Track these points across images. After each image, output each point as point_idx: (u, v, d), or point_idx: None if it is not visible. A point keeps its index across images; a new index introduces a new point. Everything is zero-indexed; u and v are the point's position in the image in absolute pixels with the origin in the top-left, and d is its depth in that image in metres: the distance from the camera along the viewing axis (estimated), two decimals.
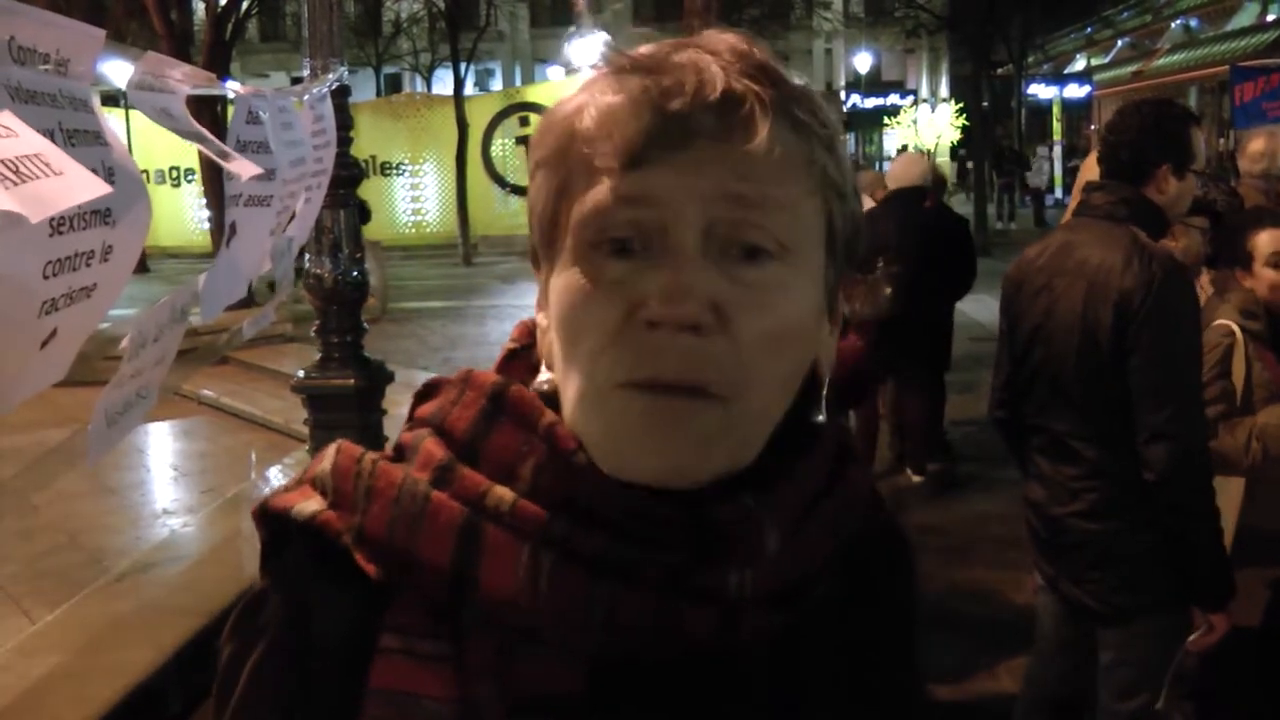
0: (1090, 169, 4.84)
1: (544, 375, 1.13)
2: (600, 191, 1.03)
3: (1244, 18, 55.95)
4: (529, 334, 1.20)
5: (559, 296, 1.06)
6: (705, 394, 1.00)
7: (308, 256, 5.80)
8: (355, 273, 5.95)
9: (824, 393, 1.16)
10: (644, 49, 1.08)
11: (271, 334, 13.67)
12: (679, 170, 1.01)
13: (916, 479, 9.68)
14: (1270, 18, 53.27)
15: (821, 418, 1.16)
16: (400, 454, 1.11)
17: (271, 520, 1.11)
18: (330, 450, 1.12)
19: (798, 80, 1.09)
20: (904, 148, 47.63)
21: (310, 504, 1.08)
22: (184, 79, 2.32)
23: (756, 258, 1.03)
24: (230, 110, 3.83)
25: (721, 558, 1.03)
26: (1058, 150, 40.36)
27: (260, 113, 3.28)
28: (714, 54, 1.05)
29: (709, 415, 1.00)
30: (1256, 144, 8.83)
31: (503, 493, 1.03)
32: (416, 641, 1.04)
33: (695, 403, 1.00)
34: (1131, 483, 3.85)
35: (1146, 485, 3.79)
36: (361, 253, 6.08)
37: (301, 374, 6.15)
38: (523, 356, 1.18)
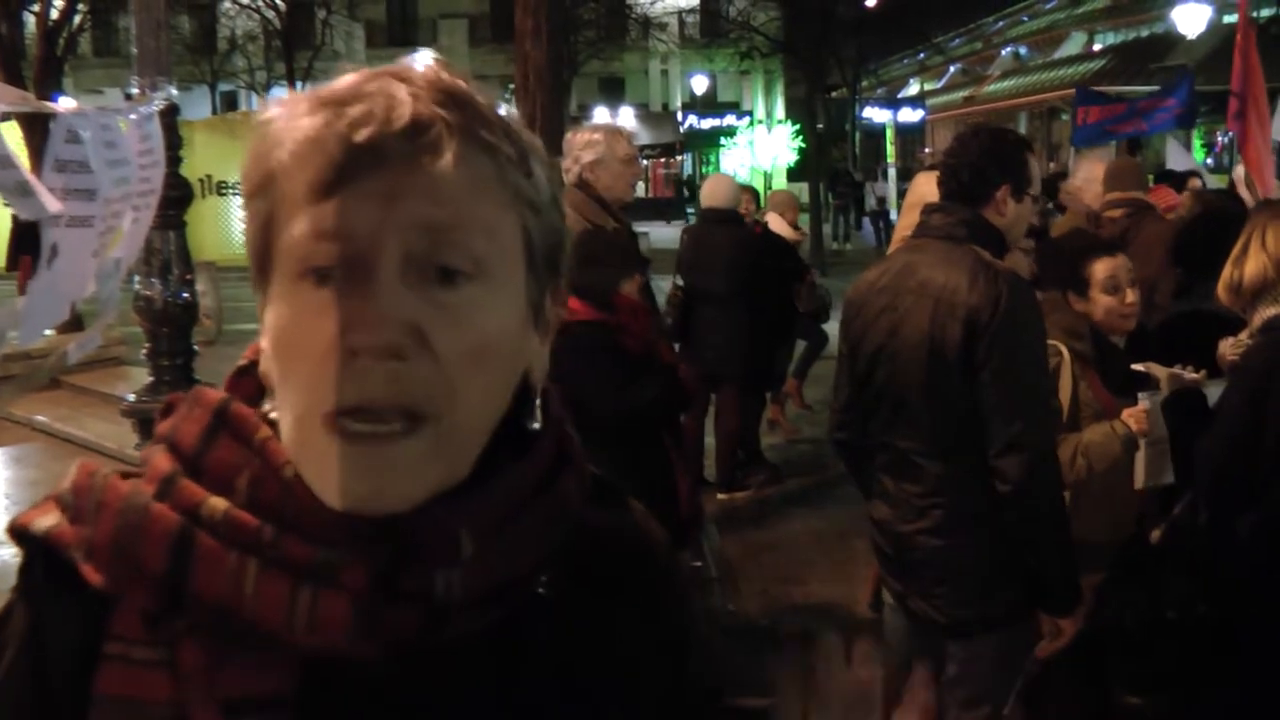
0: (920, 190, 4.91)
1: (269, 404, 1.17)
2: (300, 224, 1.06)
3: (1071, 46, 57.63)
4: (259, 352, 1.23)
5: (272, 326, 1.11)
6: (414, 416, 1.05)
7: (136, 278, 5.69)
8: (185, 294, 5.85)
9: (538, 401, 1.23)
10: (340, 81, 1.10)
11: (105, 356, 13.33)
12: (371, 200, 1.05)
13: (720, 497, 9.66)
14: (1096, 47, 54.90)
15: (537, 425, 1.23)
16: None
17: (14, 537, 1.15)
18: (73, 468, 1.16)
19: (484, 100, 1.13)
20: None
21: (47, 519, 1.13)
22: None
23: (454, 279, 1.07)
24: None
25: (420, 561, 1.08)
26: (892, 173, 40.94)
27: (81, 132, 3.20)
28: (406, 81, 1.08)
29: (420, 440, 1.05)
30: (1093, 170, 9.11)
31: (216, 503, 1.08)
32: (134, 648, 1.09)
33: (405, 435, 1.05)
34: (976, 498, 3.91)
35: (994, 499, 3.85)
36: (191, 274, 5.98)
37: (132, 398, 6.04)
38: (251, 373, 1.21)
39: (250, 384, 1.19)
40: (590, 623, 1.22)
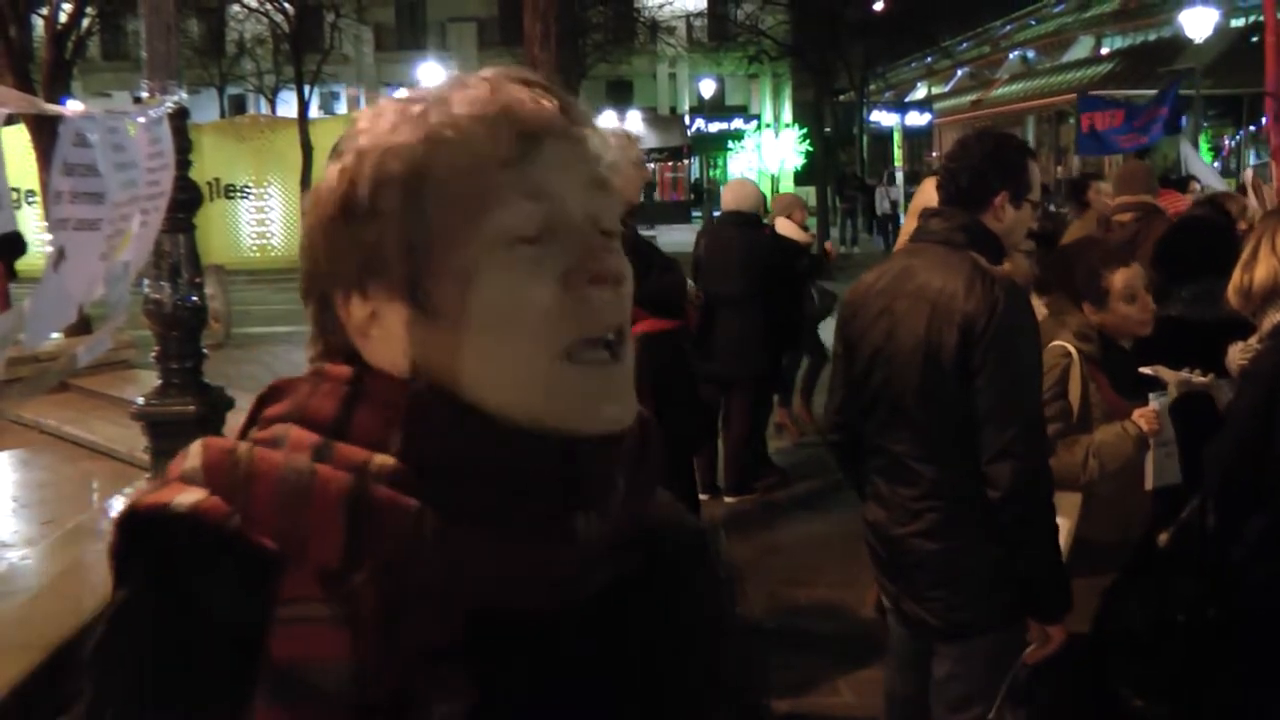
0: (925, 195, 4.91)
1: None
2: (503, 193, 1.14)
3: (1079, 50, 57.51)
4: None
5: (489, 298, 1.13)
6: (619, 341, 1.16)
7: (145, 281, 5.69)
8: (194, 297, 5.85)
9: None
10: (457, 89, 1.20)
11: (113, 360, 13.33)
12: (559, 166, 1.16)
13: (728, 500, 9.70)
14: (1104, 50, 54.79)
15: None
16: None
17: (142, 520, 1.12)
18: (195, 447, 1.15)
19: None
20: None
21: (189, 495, 1.11)
22: None
23: (610, 235, 1.20)
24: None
25: (581, 504, 1.14)
26: (899, 177, 40.89)
27: (89, 135, 3.20)
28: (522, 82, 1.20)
29: (625, 363, 1.17)
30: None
31: (384, 459, 1.10)
32: (311, 607, 1.08)
33: (617, 360, 1.16)
34: (969, 502, 3.90)
35: (989, 503, 3.83)
36: (201, 277, 5.99)
37: (141, 401, 6.05)
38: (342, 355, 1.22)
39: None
40: (664, 613, 1.26)
